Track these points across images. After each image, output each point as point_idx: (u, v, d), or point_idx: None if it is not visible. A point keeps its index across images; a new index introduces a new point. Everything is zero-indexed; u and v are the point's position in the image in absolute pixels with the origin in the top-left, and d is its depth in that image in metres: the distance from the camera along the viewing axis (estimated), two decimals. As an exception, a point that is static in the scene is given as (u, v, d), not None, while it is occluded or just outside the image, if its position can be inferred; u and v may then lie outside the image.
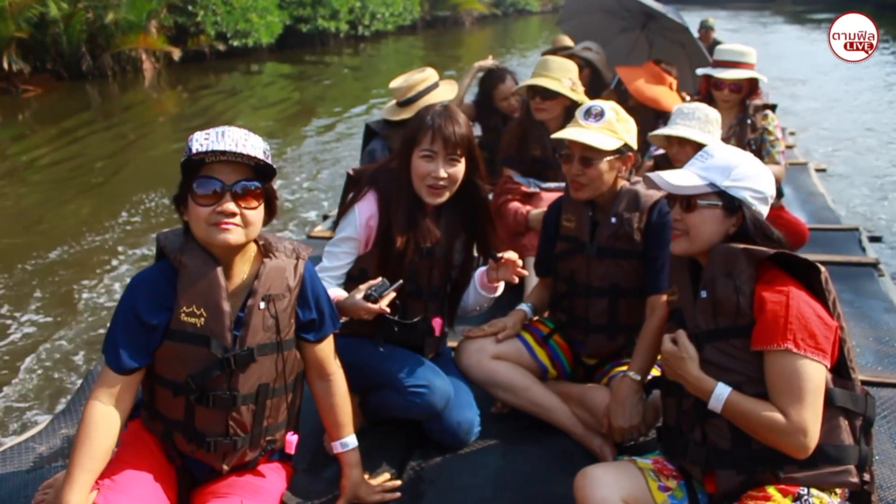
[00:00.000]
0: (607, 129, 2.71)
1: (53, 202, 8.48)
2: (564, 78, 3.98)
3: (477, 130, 5.59)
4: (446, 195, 2.60)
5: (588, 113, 2.74)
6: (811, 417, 1.88)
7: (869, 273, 4.49)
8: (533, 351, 2.89)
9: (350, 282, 2.68)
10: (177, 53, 17.66)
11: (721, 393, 1.98)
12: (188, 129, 10.28)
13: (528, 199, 4.01)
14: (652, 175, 2.21)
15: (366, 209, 2.62)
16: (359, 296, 2.42)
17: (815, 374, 1.90)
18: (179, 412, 2.13)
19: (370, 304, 2.39)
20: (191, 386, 2.06)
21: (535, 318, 3.03)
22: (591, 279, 2.79)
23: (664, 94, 4.62)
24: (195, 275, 2.03)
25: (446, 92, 4.05)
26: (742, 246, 2.02)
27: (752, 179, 2.09)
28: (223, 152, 1.93)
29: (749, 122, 4.33)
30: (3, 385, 4.72)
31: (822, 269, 1.99)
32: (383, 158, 3.43)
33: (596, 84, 5.38)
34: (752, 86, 4.39)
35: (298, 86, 16.40)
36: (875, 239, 5.56)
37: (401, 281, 2.46)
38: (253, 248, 2.15)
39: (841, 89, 15.06)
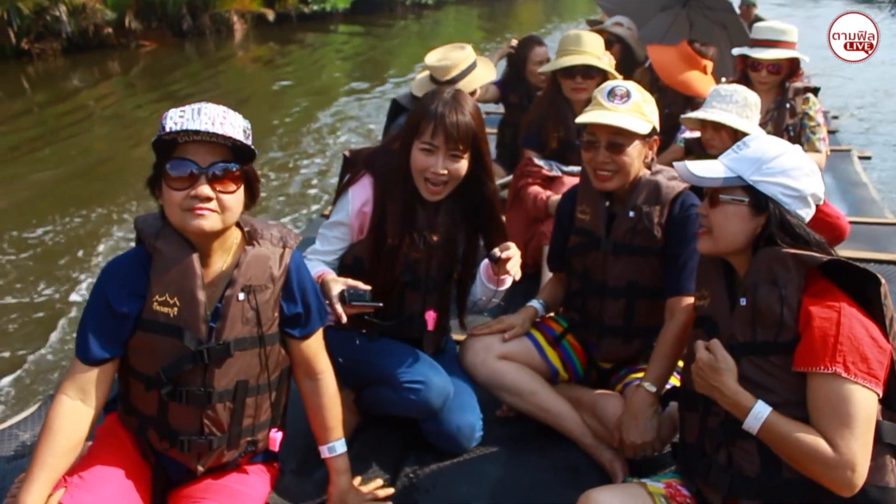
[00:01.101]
0: (636, 110, 2.49)
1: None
2: (602, 54, 3.76)
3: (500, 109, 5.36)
4: (446, 191, 2.43)
5: (612, 94, 2.52)
6: (861, 451, 1.66)
7: (918, 274, 4.17)
8: (543, 351, 2.69)
9: (343, 269, 2.54)
10: (270, 14, 19.44)
11: (760, 412, 1.76)
12: (277, 78, 11.88)
13: (550, 183, 3.80)
14: (677, 164, 1.99)
15: (360, 194, 2.46)
16: (337, 288, 2.26)
17: (867, 402, 1.67)
18: (153, 407, 2.00)
19: (336, 305, 2.23)
20: (162, 380, 1.94)
21: (548, 315, 2.83)
22: (606, 277, 2.58)
23: (695, 78, 4.33)
24: (169, 262, 1.91)
25: (485, 73, 3.84)
26: (792, 251, 1.80)
27: (789, 175, 1.85)
28: (197, 132, 1.78)
29: (788, 105, 4.05)
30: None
31: (883, 281, 1.75)
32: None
33: (627, 62, 5.13)
34: (792, 67, 4.10)
35: (369, 45, 18.13)
36: None
37: (380, 304, 2.31)
38: (236, 234, 2.01)
39: (891, 72, 14.39)
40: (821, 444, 1.67)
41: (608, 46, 5.04)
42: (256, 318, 1.98)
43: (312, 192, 7.98)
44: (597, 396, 2.60)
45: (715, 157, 3.42)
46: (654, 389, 2.30)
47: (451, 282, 2.64)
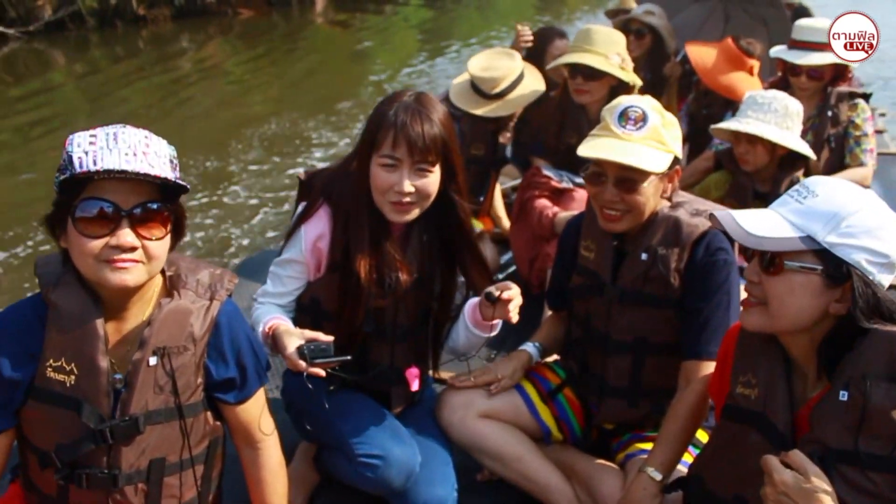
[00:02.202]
0: (653, 138, 2.05)
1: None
2: (612, 53, 3.30)
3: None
4: (415, 212, 2.03)
5: (625, 117, 2.07)
6: None
7: None
8: (534, 408, 2.30)
9: (300, 311, 2.17)
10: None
11: None
12: (352, 43, 14.50)
13: (559, 196, 3.39)
14: (720, 215, 1.57)
15: (313, 228, 2.08)
16: (293, 343, 1.88)
17: None
18: (52, 488, 1.68)
19: (298, 362, 1.84)
20: (55, 462, 1.62)
21: (544, 360, 2.42)
22: (610, 329, 2.17)
23: (742, 81, 3.82)
24: (66, 319, 1.60)
25: (534, 82, 3.52)
26: None
27: (875, 235, 1.43)
28: (123, 172, 1.48)
29: (830, 113, 3.56)
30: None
31: None
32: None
33: (658, 55, 4.64)
34: (836, 71, 3.61)
35: (434, 15, 18.89)
36: None
37: (348, 357, 1.90)
38: (156, 283, 1.68)
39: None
40: None
41: (639, 37, 4.58)
42: (172, 386, 1.66)
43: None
44: (593, 468, 2.20)
45: (749, 174, 3.06)
46: (658, 478, 1.91)
47: (427, 325, 2.25)
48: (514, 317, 2.05)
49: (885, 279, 1.46)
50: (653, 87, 4.41)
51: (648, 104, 2.09)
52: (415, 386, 2.22)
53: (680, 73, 4.67)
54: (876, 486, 1.38)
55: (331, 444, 2.17)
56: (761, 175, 3.04)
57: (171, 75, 11.46)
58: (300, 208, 2.13)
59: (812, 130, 3.58)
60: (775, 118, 2.94)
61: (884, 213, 1.46)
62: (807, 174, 3.06)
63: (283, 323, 2.02)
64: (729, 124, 3.04)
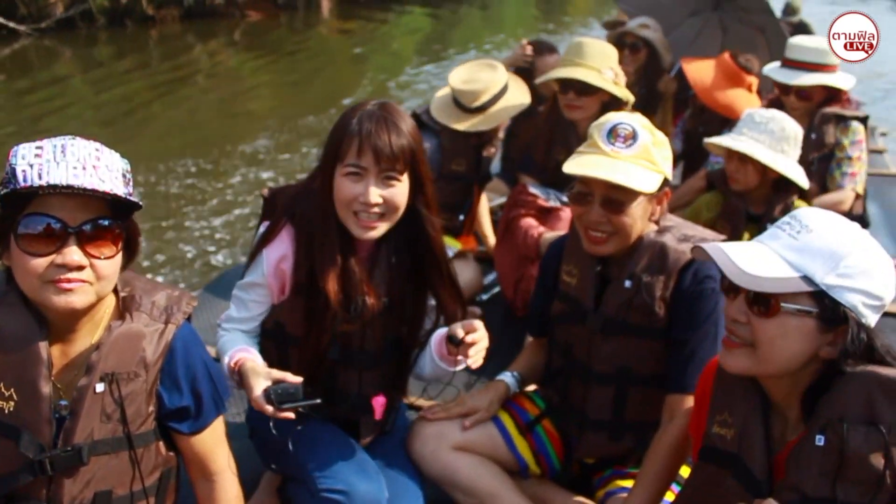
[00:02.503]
0: (643, 157, 1.95)
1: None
2: (605, 68, 3.19)
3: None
4: (382, 227, 1.91)
5: (613, 134, 1.96)
6: None
7: None
8: (511, 441, 2.18)
9: (265, 338, 2.06)
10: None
11: None
12: (352, 46, 15.08)
13: (545, 215, 3.26)
14: (710, 249, 1.44)
15: (275, 249, 1.96)
16: (260, 385, 1.78)
17: None
18: None
19: (266, 406, 1.75)
20: None
21: (523, 390, 2.30)
22: (591, 360, 2.05)
23: (740, 98, 3.71)
24: (9, 341, 1.50)
25: (519, 97, 3.38)
26: (891, 374, 1.30)
27: (869, 276, 1.34)
28: (69, 187, 1.39)
29: (813, 136, 3.44)
30: None
31: None
32: (433, 162, 2.84)
33: (653, 70, 4.54)
34: (829, 93, 3.50)
35: (435, 22, 19.24)
36: None
37: (318, 401, 1.79)
38: (109, 302, 1.58)
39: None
40: None
41: (633, 51, 4.49)
42: (121, 414, 1.55)
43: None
44: None
45: (742, 196, 2.95)
46: None
47: (397, 351, 2.13)
48: (477, 362, 1.93)
49: (872, 321, 1.36)
50: (647, 102, 4.31)
51: (639, 122, 1.98)
52: (379, 415, 2.10)
53: (675, 88, 4.57)
54: None
55: (292, 475, 2.05)
56: (753, 197, 2.93)
57: (174, 75, 11.70)
58: (262, 228, 2.01)
59: None
60: (770, 139, 2.83)
61: (874, 250, 1.37)
62: (803, 198, 2.95)
63: (250, 358, 1.91)
64: (721, 140, 2.94)
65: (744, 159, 2.85)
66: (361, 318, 1.96)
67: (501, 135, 4.16)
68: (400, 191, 1.89)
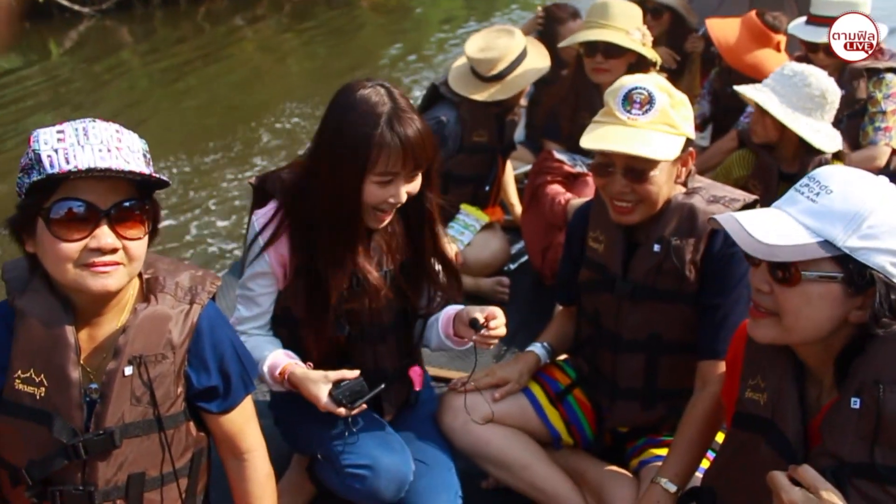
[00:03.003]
0: (662, 121, 1.88)
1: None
2: (632, 28, 3.11)
3: None
4: (391, 214, 1.92)
5: (629, 100, 1.90)
6: None
7: None
8: (543, 412, 2.16)
9: (276, 325, 2.05)
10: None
11: None
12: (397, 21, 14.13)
13: (572, 181, 3.22)
14: (723, 219, 1.39)
15: (273, 236, 1.95)
16: (323, 391, 1.84)
17: None
18: None
19: (339, 410, 1.83)
20: (26, 480, 1.52)
21: (553, 360, 2.28)
22: (620, 328, 2.01)
23: (768, 58, 3.58)
24: (35, 328, 1.50)
25: (536, 60, 3.28)
26: None
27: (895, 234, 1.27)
28: (107, 170, 1.39)
29: (843, 92, 3.31)
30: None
31: None
32: (453, 134, 3.01)
33: (678, 32, 4.44)
34: None
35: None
36: None
37: (382, 386, 1.88)
38: (133, 287, 1.58)
39: None
40: None
41: (656, 16, 4.39)
42: (150, 396, 1.56)
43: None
44: (605, 476, 2.06)
45: (768, 150, 2.85)
46: (672, 489, 1.77)
47: (405, 321, 2.13)
48: (491, 344, 1.95)
49: None
50: (674, 65, 4.22)
51: (654, 83, 1.91)
52: (418, 384, 2.11)
53: (702, 47, 4.46)
54: (891, 497, 1.24)
55: (318, 454, 2.05)
56: (783, 155, 2.84)
57: (223, 52, 12.02)
58: (255, 216, 1.97)
59: None
60: (794, 95, 2.72)
61: None
62: (838, 157, 2.85)
63: (293, 363, 1.92)
64: (744, 88, 2.84)
65: (763, 111, 2.76)
66: (365, 292, 1.94)
67: (524, 102, 4.09)
68: (419, 181, 1.89)
